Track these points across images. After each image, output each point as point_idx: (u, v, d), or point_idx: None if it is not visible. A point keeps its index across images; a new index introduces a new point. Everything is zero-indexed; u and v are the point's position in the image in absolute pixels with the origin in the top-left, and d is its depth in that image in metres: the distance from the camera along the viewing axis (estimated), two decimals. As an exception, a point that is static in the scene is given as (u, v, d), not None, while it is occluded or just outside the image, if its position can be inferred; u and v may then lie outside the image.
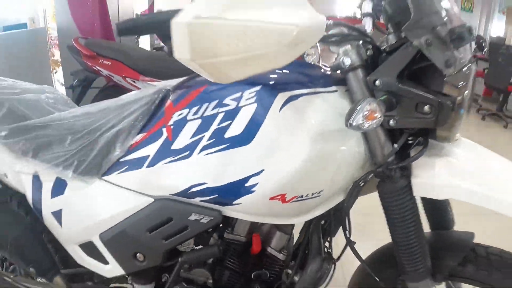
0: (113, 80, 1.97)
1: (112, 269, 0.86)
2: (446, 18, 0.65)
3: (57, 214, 0.86)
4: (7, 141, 0.88)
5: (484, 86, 4.99)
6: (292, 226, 0.88)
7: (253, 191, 0.70)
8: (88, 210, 0.83)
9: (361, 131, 0.68)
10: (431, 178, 0.70)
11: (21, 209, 0.98)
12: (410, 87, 0.66)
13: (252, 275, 0.85)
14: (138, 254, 0.82)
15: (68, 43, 2.18)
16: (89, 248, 0.87)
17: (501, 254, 0.78)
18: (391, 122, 0.68)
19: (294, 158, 0.68)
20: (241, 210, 0.74)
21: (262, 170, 0.69)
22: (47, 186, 0.86)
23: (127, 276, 0.90)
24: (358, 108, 0.62)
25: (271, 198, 0.71)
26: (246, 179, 0.70)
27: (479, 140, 0.77)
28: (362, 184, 0.74)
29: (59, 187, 0.85)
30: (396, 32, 0.71)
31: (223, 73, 0.57)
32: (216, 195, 0.73)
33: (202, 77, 0.66)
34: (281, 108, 0.69)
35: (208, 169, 0.72)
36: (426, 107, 0.66)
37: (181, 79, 0.81)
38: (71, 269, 0.96)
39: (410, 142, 0.74)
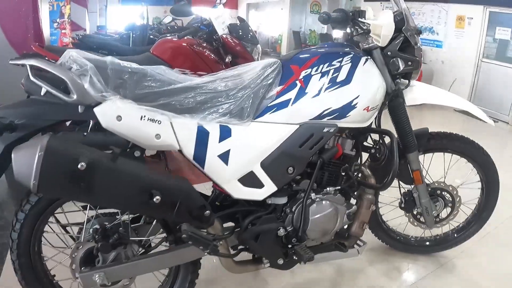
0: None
1: (266, 190, 1.19)
2: (413, 26, 1.37)
3: (224, 155, 1.12)
4: (160, 102, 1.06)
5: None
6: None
7: (355, 106, 1.24)
8: (252, 146, 1.15)
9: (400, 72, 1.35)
10: (411, 95, 1.43)
11: None
12: (403, 53, 1.35)
13: (341, 169, 1.35)
14: (289, 168, 1.20)
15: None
16: (247, 179, 1.17)
17: (443, 133, 1.60)
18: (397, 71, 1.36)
19: (372, 86, 1.28)
20: (348, 121, 1.25)
21: (358, 95, 1.24)
22: (214, 133, 1.11)
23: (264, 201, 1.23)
24: (399, 61, 1.32)
25: (363, 109, 1.26)
26: (352, 101, 1.24)
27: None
28: (386, 102, 1.38)
29: (225, 132, 1.12)
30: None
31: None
32: (337, 113, 1.22)
33: (311, 51, 1.25)
34: (363, 64, 1.27)
35: (331, 99, 1.21)
36: (410, 62, 1.36)
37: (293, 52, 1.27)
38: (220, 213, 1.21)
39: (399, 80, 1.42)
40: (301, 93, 1.19)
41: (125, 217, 1.22)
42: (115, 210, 1.25)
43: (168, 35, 3.37)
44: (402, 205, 1.69)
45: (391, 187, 1.48)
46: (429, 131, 1.61)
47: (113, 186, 0.99)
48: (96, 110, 1.02)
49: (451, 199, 1.69)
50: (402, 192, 1.68)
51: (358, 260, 1.79)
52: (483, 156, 1.66)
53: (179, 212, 1.06)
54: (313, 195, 1.27)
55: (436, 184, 1.67)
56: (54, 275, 1.29)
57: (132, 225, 1.23)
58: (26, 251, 1.16)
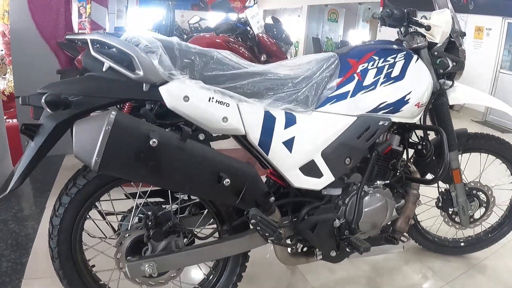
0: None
1: (324, 179, 1.21)
2: (458, 28, 1.43)
3: (289, 142, 1.14)
4: (227, 85, 1.05)
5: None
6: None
7: (408, 102, 1.29)
8: (314, 134, 1.18)
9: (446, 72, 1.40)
10: (454, 94, 1.49)
11: None
12: (449, 54, 1.40)
13: (389, 164, 1.38)
14: (347, 159, 1.23)
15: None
16: (307, 167, 1.18)
17: (481, 133, 1.66)
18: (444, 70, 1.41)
19: (423, 83, 1.33)
20: (401, 115, 1.29)
21: (411, 91, 1.29)
22: (280, 119, 1.12)
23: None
24: (448, 61, 1.36)
25: (415, 105, 1.31)
26: (405, 96, 1.28)
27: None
28: (433, 99, 1.42)
29: (290, 120, 1.14)
30: None
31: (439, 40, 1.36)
32: (392, 108, 1.27)
33: (367, 46, 1.29)
34: (416, 61, 1.32)
35: (386, 93, 1.26)
36: (455, 63, 1.41)
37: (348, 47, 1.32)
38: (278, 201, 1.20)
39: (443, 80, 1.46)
40: (358, 86, 1.24)
41: (172, 207, 1.19)
42: (161, 200, 1.26)
43: (195, 34, 3.43)
44: (440, 204, 1.72)
45: (424, 189, 1.51)
46: (468, 132, 1.65)
47: (183, 166, 0.96)
48: (162, 89, 0.96)
49: (485, 200, 1.72)
50: (439, 191, 1.71)
51: (393, 260, 1.82)
52: None
53: (244, 198, 1.05)
54: (365, 188, 1.30)
55: (473, 184, 1.70)
56: (93, 266, 1.22)
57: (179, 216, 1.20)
58: (67, 238, 1.09)
